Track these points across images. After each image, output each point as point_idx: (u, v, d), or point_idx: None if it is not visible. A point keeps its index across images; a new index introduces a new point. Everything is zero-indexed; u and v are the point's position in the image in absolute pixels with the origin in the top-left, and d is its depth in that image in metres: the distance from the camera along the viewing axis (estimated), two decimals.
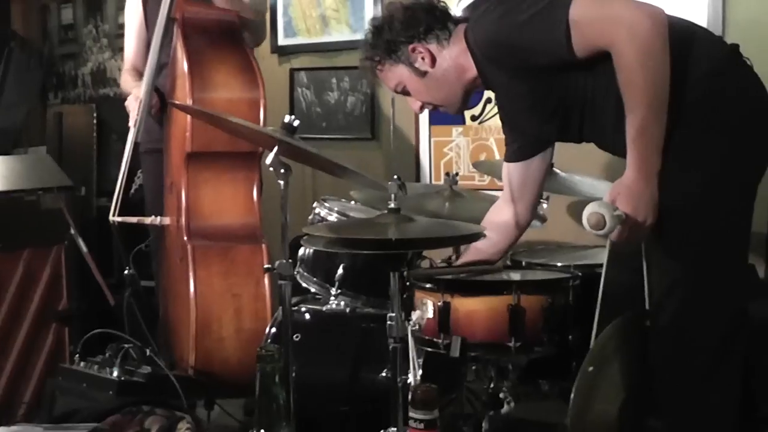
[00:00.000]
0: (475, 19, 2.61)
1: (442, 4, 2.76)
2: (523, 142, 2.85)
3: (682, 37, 2.39)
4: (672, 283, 2.44)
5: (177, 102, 3.56)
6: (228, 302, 3.45)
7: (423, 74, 2.70)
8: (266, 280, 3.44)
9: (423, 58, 2.68)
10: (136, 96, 3.79)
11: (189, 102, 3.48)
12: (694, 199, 2.38)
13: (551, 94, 2.54)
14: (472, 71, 2.67)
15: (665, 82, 2.31)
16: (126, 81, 4.04)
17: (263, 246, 3.51)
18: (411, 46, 2.68)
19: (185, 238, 3.51)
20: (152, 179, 3.95)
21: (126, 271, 3.57)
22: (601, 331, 2.45)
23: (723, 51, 2.48)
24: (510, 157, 2.90)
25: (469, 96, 2.78)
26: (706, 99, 2.39)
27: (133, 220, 3.75)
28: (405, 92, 2.79)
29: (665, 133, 2.33)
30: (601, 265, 3.12)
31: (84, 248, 3.43)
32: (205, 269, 3.46)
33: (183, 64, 3.55)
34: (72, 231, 3.50)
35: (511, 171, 2.90)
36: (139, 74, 3.97)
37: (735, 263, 2.47)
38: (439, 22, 2.70)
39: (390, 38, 2.70)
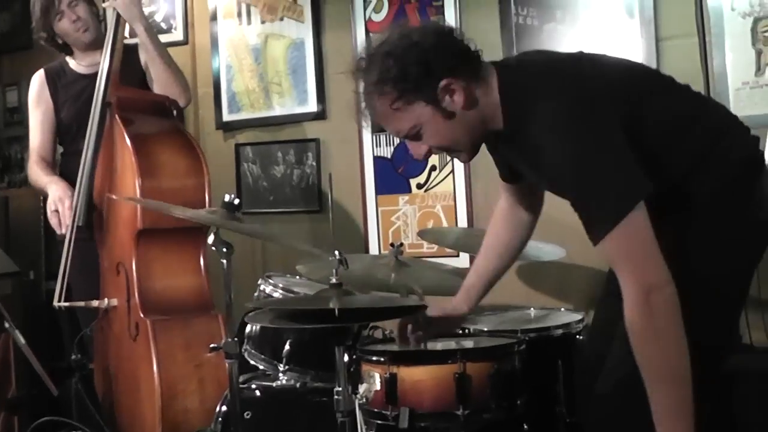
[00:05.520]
0: (531, 88, 2.29)
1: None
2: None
3: None
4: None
5: (114, 196, 3.61)
6: (191, 373, 3.48)
7: (450, 115, 2.28)
8: None
9: (454, 97, 2.27)
10: (59, 198, 3.79)
11: (137, 187, 3.54)
12: None
13: None
14: (499, 125, 2.34)
15: (674, 356, 2.15)
16: (36, 173, 3.98)
17: (218, 315, 3.57)
18: (445, 82, 2.25)
19: (141, 314, 3.53)
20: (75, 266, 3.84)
21: (72, 357, 3.53)
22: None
23: None
24: (506, 178, 2.71)
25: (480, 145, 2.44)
26: None
27: (80, 304, 3.73)
28: (414, 136, 2.34)
29: None
30: (546, 328, 3.18)
31: (22, 340, 3.40)
32: (166, 343, 3.49)
33: (126, 148, 3.60)
34: (6, 325, 3.45)
35: (508, 187, 2.74)
36: (47, 165, 4.00)
37: None
38: (471, 55, 2.33)
39: (419, 69, 2.24)
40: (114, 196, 3.62)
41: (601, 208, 2.17)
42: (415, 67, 2.24)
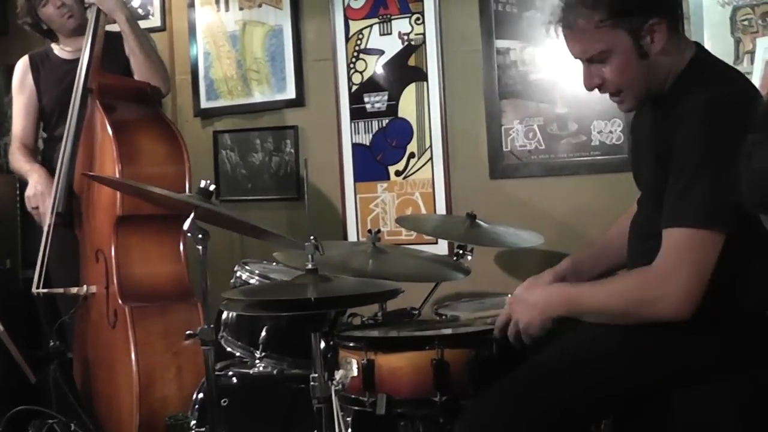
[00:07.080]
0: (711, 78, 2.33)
1: None
2: None
3: None
4: None
5: (93, 174, 3.59)
6: (169, 361, 3.51)
7: (643, 56, 2.32)
8: None
9: (655, 38, 2.31)
10: (41, 192, 3.82)
11: (117, 174, 3.53)
12: None
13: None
14: (662, 88, 2.38)
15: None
16: (18, 160, 4.02)
17: (198, 303, 3.56)
18: (654, 20, 2.30)
19: (120, 301, 3.53)
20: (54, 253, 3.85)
21: (51, 344, 3.53)
22: None
23: None
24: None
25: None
26: None
27: (59, 290, 3.72)
28: (598, 61, 2.35)
29: None
30: None
31: (0, 327, 3.39)
32: (144, 330, 3.51)
33: (107, 134, 3.61)
34: None
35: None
36: (29, 151, 4.00)
37: None
38: (678, 10, 2.43)
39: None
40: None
41: (697, 203, 2.19)
42: None
